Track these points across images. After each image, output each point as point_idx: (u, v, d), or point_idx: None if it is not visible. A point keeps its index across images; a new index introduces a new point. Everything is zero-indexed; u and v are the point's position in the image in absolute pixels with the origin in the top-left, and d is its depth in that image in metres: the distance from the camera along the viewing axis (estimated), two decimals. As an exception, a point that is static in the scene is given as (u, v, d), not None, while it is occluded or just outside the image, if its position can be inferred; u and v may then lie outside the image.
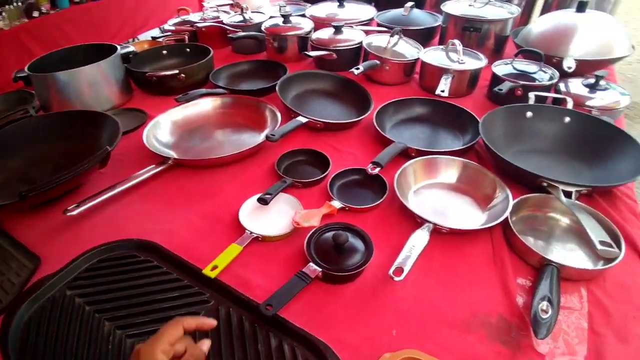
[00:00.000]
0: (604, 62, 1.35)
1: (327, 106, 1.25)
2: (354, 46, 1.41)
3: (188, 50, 1.53)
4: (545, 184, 0.84)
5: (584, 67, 1.30)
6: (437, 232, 0.78)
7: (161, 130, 1.09)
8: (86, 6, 2.88)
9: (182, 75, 1.31)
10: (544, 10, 1.80)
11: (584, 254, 0.76)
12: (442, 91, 1.11)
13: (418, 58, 1.32)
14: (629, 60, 3.49)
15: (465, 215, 0.85)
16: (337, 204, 0.85)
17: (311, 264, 0.70)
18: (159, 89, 1.33)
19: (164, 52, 1.52)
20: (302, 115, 1.08)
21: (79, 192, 0.92)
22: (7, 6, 2.41)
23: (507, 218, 0.78)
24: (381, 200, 0.86)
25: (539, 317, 0.60)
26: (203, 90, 1.24)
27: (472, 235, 0.80)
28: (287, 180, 0.90)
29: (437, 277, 0.73)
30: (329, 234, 0.76)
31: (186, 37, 1.66)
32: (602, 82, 1.16)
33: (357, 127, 1.16)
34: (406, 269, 0.65)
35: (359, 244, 0.75)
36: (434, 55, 1.30)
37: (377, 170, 0.88)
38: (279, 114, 1.11)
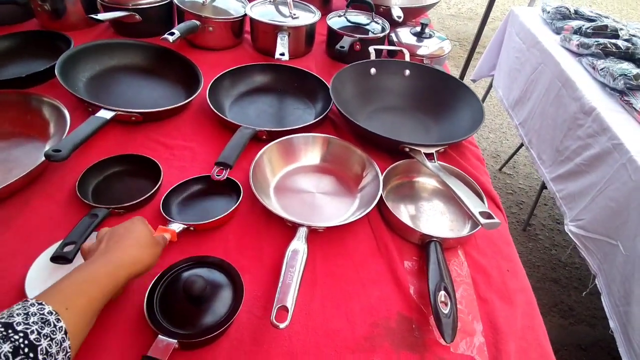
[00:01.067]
0: (422, 9, 1.39)
1: (141, 89, 0.94)
2: (161, 2, 1.09)
3: None
4: (407, 149, 0.79)
5: (408, 15, 1.31)
6: (313, 232, 0.65)
7: None
8: None
9: None
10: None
11: (452, 215, 0.76)
12: (282, 54, 0.94)
13: (245, 14, 1.10)
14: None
15: (337, 202, 0.74)
16: (175, 226, 0.62)
17: (161, 336, 0.49)
18: None
19: None
20: (105, 108, 0.78)
21: None
22: None
23: (380, 197, 0.70)
24: (235, 205, 0.67)
25: (441, 315, 0.54)
26: None
27: (351, 225, 0.70)
28: (100, 212, 0.63)
29: (326, 292, 0.61)
30: (179, 280, 0.54)
31: None
32: (427, 30, 1.18)
33: (188, 111, 0.91)
34: (291, 307, 0.50)
35: (221, 279, 0.56)
36: (262, 10, 1.11)
37: (225, 173, 0.67)
38: (65, 111, 0.77)
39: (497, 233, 0.73)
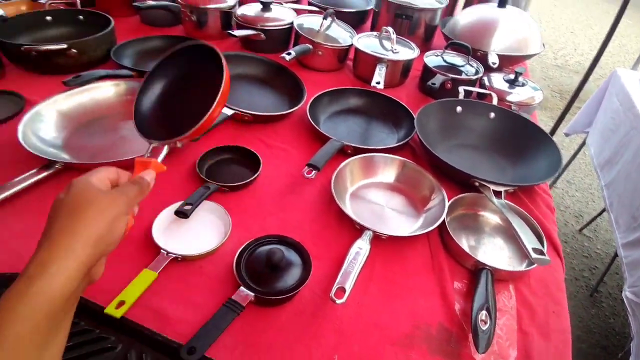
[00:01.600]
0: (520, 58, 1.43)
1: (255, 95, 1.13)
2: (284, 26, 1.29)
3: (81, 17, 1.26)
4: (477, 184, 0.84)
5: (504, 62, 1.36)
6: (377, 238, 0.74)
7: (44, 124, 0.87)
8: None
9: (73, 50, 1.07)
10: (467, 3, 1.84)
11: (510, 252, 0.79)
12: (378, 82, 1.06)
13: (352, 44, 1.25)
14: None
15: (403, 218, 0.83)
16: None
17: (242, 288, 0.62)
18: (42, 66, 1.07)
19: (48, 18, 1.22)
20: (227, 106, 0.96)
21: None
22: None
23: (443, 221, 0.77)
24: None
25: (479, 330, 0.59)
26: (102, 72, 1.03)
27: (411, 240, 0.78)
28: (211, 186, 0.79)
29: (379, 289, 0.69)
30: (263, 250, 0.67)
31: (78, 0, 1.38)
32: (520, 78, 1.22)
33: (289, 118, 1.07)
34: (348, 289, 0.60)
35: (295, 258, 0.68)
36: (367, 42, 1.25)
37: (313, 173, 0.80)
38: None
39: (551, 277, 0.75)
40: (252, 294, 0.61)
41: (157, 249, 0.67)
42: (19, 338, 0.30)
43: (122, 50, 1.20)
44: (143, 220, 0.73)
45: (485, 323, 0.61)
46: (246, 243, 0.69)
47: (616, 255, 1.49)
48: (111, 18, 1.21)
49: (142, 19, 1.45)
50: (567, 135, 2.06)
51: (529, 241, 0.66)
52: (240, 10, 1.31)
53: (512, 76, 1.21)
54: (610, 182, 1.49)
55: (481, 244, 0.80)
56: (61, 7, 1.32)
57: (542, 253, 0.64)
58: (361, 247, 0.68)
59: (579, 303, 1.71)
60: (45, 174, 0.76)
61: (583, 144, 1.92)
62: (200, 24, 1.36)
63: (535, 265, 0.71)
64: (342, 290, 0.60)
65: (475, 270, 0.72)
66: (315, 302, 0.65)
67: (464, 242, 0.79)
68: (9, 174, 0.75)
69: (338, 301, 0.58)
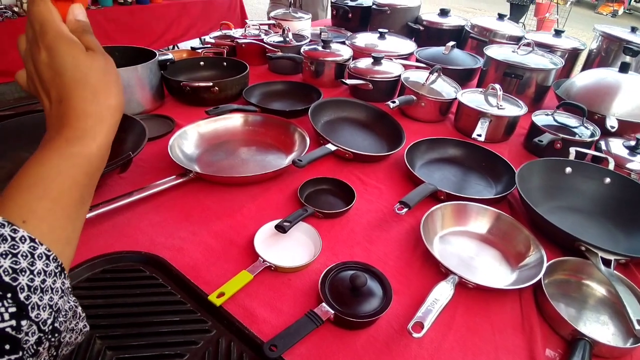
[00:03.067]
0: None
1: (358, 136, 1.23)
2: (391, 79, 1.40)
3: (225, 64, 1.55)
4: (583, 248, 0.78)
5: (625, 128, 1.25)
6: (462, 285, 0.73)
7: (187, 141, 1.08)
8: (130, 8, 2.97)
9: (216, 88, 1.32)
10: (586, 66, 1.76)
11: (615, 329, 0.70)
12: (479, 135, 1.07)
13: (455, 98, 1.29)
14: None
15: (493, 271, 0.80)
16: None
17: (324, 304, 0.66)
18: (191, 99, 1.34)
19: (201, 63, 1.54)
20: (331, 143, 1.06)
21: (96, 195, 0.91)
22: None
23: (540, 281, 0.72)
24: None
25: (572, 405, 0.53)
26: (234, 106, 1.24)
27: (500, 294, 0.75)
28: (309, 209, 0.87)
29: (458, 337, 0.67)
30: (346, 274, 0.71)
31: (225, 51, 1.69)
32: (644, 146, 1.11)
33: (386, 161, 1.13)
34: (426, 325, 0.60)
35: (377, 287, 0.71)
36: (471, 97, 1.27)
37: (404, 210, 0.83)
38: (308, 139, 1.09)
39: (674, 371, 0.64)
40: (332, 311, 0.65)
41: (256, 256, 0.76)
42: (61, 191, 0.33)
43: (252, 90, 1.43)
44: (248, 230, 0.83)
45: (580, 399, 0.55)
46: (333, 264, 0.74)
47: None
48: (247, 65, 1.46)
49: (270, 67, 1.71)
50: None
51: (635, 312, 0.58)
52: (354, 63, 1.46)
53: (633, 142, 1.11)
54: None
55: (582, 315, 0.73)
56: (211, 55, 1.64)
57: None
58: (444, 289, 0.68)
59: None
60: (181, 180, 0.93)
61: None
62: (317, 74, 1.54)
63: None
64: (420, 325, 0.61)
65: (571, 341, 0.66)
66: (392, 336, 0.66)
67: (562, 309, 0.73)
68: (156, 177, 0.93)
69: (415, 335, 0.59)
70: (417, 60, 1.59)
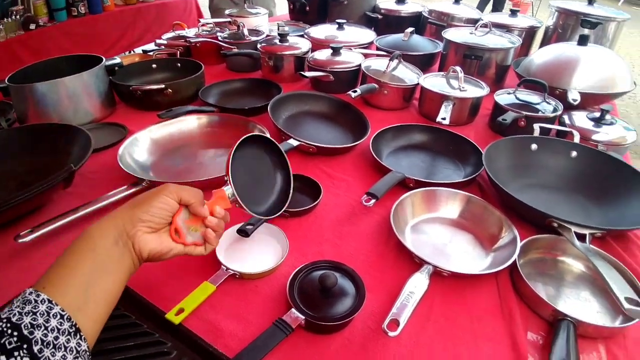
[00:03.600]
0: (606, 97, 1.31)
1: (321, 129, 1.18)
2: (352, 68, 1.36)
3: (179, 65, 1.47)
4: (555, 225, 0.76)
5: (587, 101, 1.26)
6: (438, 274, 0.70)
7: (138, 148, 1.00)
8: (84, 19, 2.84)
9: (169, 90, 1.25)
10: (544, 43, 1.78)
11: (600, 306, 0.68)
12: (443, 119, 1.05)
13: (418, 83, 1.26)
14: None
15: (468, 256, 0.77)
16: (229, 191, 0.57)
17: (293, 309, 0.61)
18: (144, 104, 1.26)
19: (153, 66, 1.45)
20: (293, 138, 1.01)
21: (41, 213, 0.83)
22: (4, 19, 2.36)
23: (514, 262, 0.70)
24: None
25: (558, 390, 0.51)
26: (189, 107, 1.17)
27: (477, 279, 0.72)
28: (273, 210, 0.82)
29: (437, 329, 0.64)
30: (316, 274, 0.67)
31: (178, 52, 1.60)
32: (607, 117, 1.12)
33: (352, 152, 1.09)
34: (402, 322, 0.56)
35: (349, 286, 0.66)
36: (434, 82, 1.25)
37: (372, 202, 0.79)
38: (268, 136, 1.03)
39: (655, 340, 0.63)
40: (303, 317, 0.60)
41: (218, 264, 0.71)
42: (105, 248, 0.44)
43: (209, 90, 1.36)
44: (208, 237, 0.77)
45: (566, 383, 0.52)
46: (301, 266, 0.69)
47: None
48: (202, 64, 1.39)
49: (227, 65, 1.64)
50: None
51: (621, 289, 0.56)
52: (313, 55, 1.41)
53: (597, 114, 1.12)
54: None
55: (561, 294, 0.71)
56: (163, 57, 1.55)
57: (638, 304, 0.54)
58: (419, 281, 0.65)
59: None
60: (133, 190, 0.86)
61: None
62: (277, 69, 1.49)
63: (633, 322, 0.60)
64: (395, 322, 0.57)
65: (553, 322, 0.63)
66: (368, 336, 0.62)
67: (541, 289, 0.71)
68: (107, 189, 0.86)
69: (391, 334, 0.55)
70: (377, 49, 1.56)
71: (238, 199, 0.56)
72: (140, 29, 3.20)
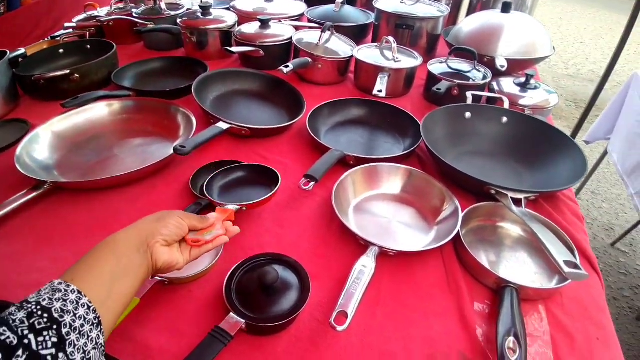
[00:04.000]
0: (530, 62, 1.36)
1: (253, 109, 1.09)
2: (282, 42, 1.27)
3: (88, 47, 1.29)
4: (493, 192, 0.77)
5: (513, 67, 1.30)
6: (384, 254, 0.67)
7: (39, 145, 0.85)
8: (4, 17, 2.45)
9: (76, 75, 1.08)
10: (470, 11, 1.81)
11: (537, 267, 0.70)
12: (380, 91, 1.01)
13: (352, 56, 1.21)
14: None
15: (412, 231, 0.75)
16: (231, 206, 0.65)
17: (232, 314, 0.55)
18: (49, 94, 1.08)
19: (61, 51, 1.26)
20: (223, 121, 0.92)
21: None
22: None
23: (458, 233, 0.69)
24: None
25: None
26: (99, 93, 1.02)
27: (423, 255, 0.70)
28: (203, 202, 0.74)
29: (387, 312, 0.61)
30: (256, 271, 0.61)
31: (88, 33, 1.40)
32: (532, 81, 1.16)
33: (288, 132, 1.02)
34: (350, 314, 0.52)
35: (292, 278, 0.61)
36: (368, 53, 1.21)
37: (311, 184, 0.74)
38: (194, 119, 0.93)
39: (588, 296, 0.66)
40: (243, 320, 0.54)
41: (141, 272, 0.62)
42: (128, 254, 0.47)
43: (124, 72, 1.20)
44: (129, 242, 0.68)
45: (514, 352, 0.52)
46: (238, 263, 0.62)
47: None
48: (114, 44, 1.22)
49: (145, 44, 1.46)
50: (587, 143, 1.96)
51: (560, 253, 0.57)
52: (240, 29, 1.30)
53: (523, 79, 1.15)
54: (641, 189, 1.38)
55: (502, 259, 0.72)
56: (73, 39, 1.35)
57: (576, 267, 0.55)
58: (365, 265, 0.61)
59: (623, 327, 1.55)
60: (33, 194, 0.73)
61: (605, 152, 1.81)
62: (200, 45, 1.35)
63: (568, 281, 0.62)
64: (343, 315, 0.53)
65: (497, 289, 0.64)
66: (316, 330, 0.58)
67: (483, 257, 0.71)
68: (7, 196, 0.71)
69: (339, 328, 0.51)
70: (309, 21, 1.48)
71: None
72: (55, 16, 2.81)
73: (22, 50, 1.12)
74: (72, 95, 1.01)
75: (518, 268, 0.70)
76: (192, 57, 1.33)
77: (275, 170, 0.77)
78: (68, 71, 1.06)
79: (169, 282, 0.61)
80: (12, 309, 0.36)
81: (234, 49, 1.19)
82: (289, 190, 0.82)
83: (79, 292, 0.40)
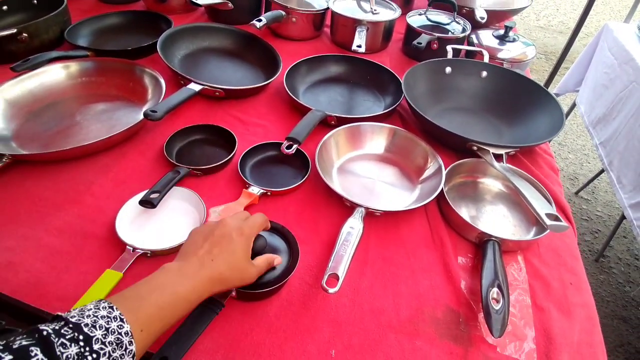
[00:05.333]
0: (509, 13, 1.34)
1: (226, 69, 1.03)
2: (252, -7, 1.18)
3: (35, 2, 1.15)
4: (475, 148, 0.77)
5: (492, 18, 1.27)
6: (370, 215, 0.67)
7: (-10, 114, 0.78)
8: None
9: (24, 35, 0.96)
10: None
11: (515, 220, 0.73)
12: (359, 46, 0.97)
13: (327, 8, 1.15)
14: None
15: (397, 190, 0.75)
16: (256, 190, 0.69)
17: (221, 283, 0.54)
18: (-5, 57, 0.96)
19: (5, 8, 1.11)
20: (194, 82, 0.86)
21: None
22: None
23: (441, 191, 0.70)
24: (303, 179, 0.72)
25: (491, 310, 0.53)
26: (53, 54, 0.92)
27: (408, 214, 0.71)
28: (182, 170, 0.70)
29: (376, 271, 0.62)
30: (242, 238, 0.59)
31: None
32: (510, 33, 1.14)
33: (265, 92, 0.97)
34: (341, 275, 0.53)
35: (280, 244, 0.60)
36: (344, 5, 1.14)
37: (294, 147, 0.72)
38: (162, 82, 0.86)
39: (563, 245, 0.70)
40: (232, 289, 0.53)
41: (122, 245, 0.59)
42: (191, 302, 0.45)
43: (77, 30, 1.09)
44: (106, 213, 0.64)
45: (498, 302, 0.54)
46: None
47: (623, 218, 1.44)
48: (64, -2, 1.09)
49: (98, -3, 1.32)
50: (557, 95, 2.00)
51: (541, 207, 0.59)
52: (205, -21, 1.19)
53: (502, 32, 1.13)
54: (607, 140, 1.44)
55: (483, 213, 0.74)
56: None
57: (557, 219, 0.57)
58: (353, 227, 0.61)
59: (585, 269, 1.67)
60: (-11, 170, 0.67)
61: (574, 104, 1.86)
62: (162, -3, 1.24)
63: (545, 233, 0.65)
64: (334, 277, 0.53)
65: (479, 243, 0.66)
66: (307, 293, 0.58)
67: (465, 213, 0.73)
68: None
69: (331, 290, 0.51)
70: (279, -31, 1.37)
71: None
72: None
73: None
74: (21, 58, 0.91)
75: (498, 222, 0.72)
76: (153, 11, 1.22)
77: (307, 156, 0.76)
78: (15, 30, 0.95)
79: (151, 254, 0.59)
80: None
81: (200, 1, 1.09)
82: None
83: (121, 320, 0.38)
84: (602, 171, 1.72)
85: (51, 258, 0.59)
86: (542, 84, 2.13)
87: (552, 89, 2.05)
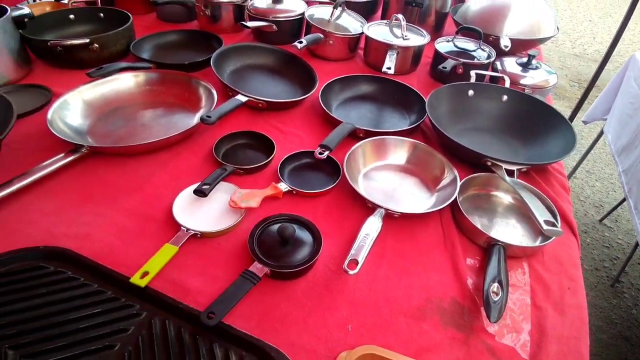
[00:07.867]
0: (534, 42, 1.41)
1: (268, 83, 1.16)
2: (295, 17, 1.31)
3: (101, 15, 1.32)
4: (489, 163, 0.85)
5: (516, 47, 1.35)
6: (389, 216, 0.75)
7: (70, 112, 0.92)
8: None
9: (95, 45, 1.13)
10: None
11: (524, 230, 0.79)
12: (389, 68, 1.07)
13: (362, 32, 1.26)
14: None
15: (415, 197, 0.84)
16: (283, 186, 0.79)
17: (256, 263, 0.64)
18: (67, 61, 1.13)
19: (71, 16, 1.29)
20: (241, 94, 0.98)
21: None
22: None
23: (455, 199, 0.78)
24: (334, 184, 0.82)
25: (490, 300, 0.60)
26: (123, 64, 1.07)
27: (423, 218, 0.79)
28: (228, 168, 0.82)
29: (391, 264, 0.71)
30: (274, 227, 0.69)
31: (98, 0, 1.43)
32: (533, 61, 1.21)
33: (302, 106, 1.09)
34: (360, 261, 0.62)
35: (306, 235, 0.70)
36: (378, 30, 1.26)
37: (325, 154, 0.82)
38: (214, 92, 0.99)
39: (566, 255, 0.75)
40: (267, 268, 0.63)
41: (177, 226, 0.71)
42: None
43: (141, 44, 1.25)
44: (164, 200, 0.76)
45: (497, 295, 0.62)
46: (259, 221, 0.71)
47: (637, 244, 1.46)
48: (130, 15, 1.26)
49: (158, 15, 1.50)
50: (585, 123, 2.02)
51: (540, 214, 0.66)
52: (253, 3, 1.34)
53: (525, 59, 1.21)
54: (628, 168, 1.46)
55: (494, 223, 0.81)
56: (82, 6, 1.38)
57: (553, 225, 0.64)
58: (373, 224, 0.70)
59: (600, 294, 1.68)
60: (72, 157, 0.80)
61: (602, 132, 1.88)
62: (215, 18, 1.39)
63: (549, 241, 0.71)
64: (354, 262, 0.62)
65: (487, 247, 0.73)
66: (329, 277, 0.67)
67: (477, 221, 0.80)
68: (38, 159, 0.79)
69: (351, 272, 0.60)
70: (320, -4, 1.51)
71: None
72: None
73: (26, 10, 1.10)
74: (90, 65, 1.07)
75: (507, 231, 0.79)
76: (206, 30, 1.37)
77: (339, 164, 0.85)
78: (87, 40, 1.10)
79: (200, 235, 0.70)
80: None
81: (250, 23, 1.24)
82: (303, 159, 0.90)
83: None
84: (624, 200, 1.73)
85: (120, 233, 0.71)
86: (571, 110, 2.16)
87: (581, 117, 2.08)
